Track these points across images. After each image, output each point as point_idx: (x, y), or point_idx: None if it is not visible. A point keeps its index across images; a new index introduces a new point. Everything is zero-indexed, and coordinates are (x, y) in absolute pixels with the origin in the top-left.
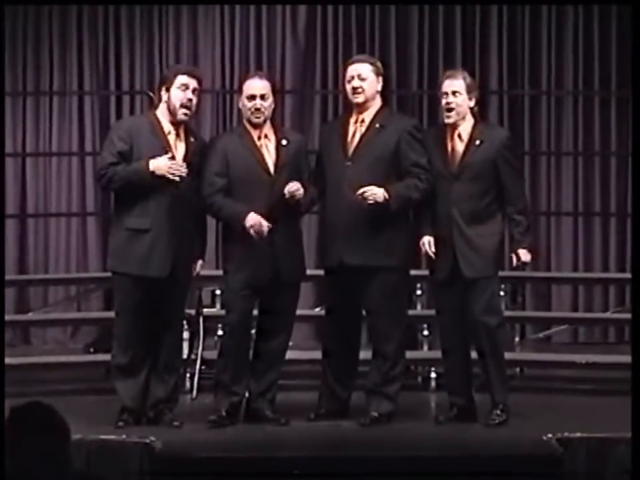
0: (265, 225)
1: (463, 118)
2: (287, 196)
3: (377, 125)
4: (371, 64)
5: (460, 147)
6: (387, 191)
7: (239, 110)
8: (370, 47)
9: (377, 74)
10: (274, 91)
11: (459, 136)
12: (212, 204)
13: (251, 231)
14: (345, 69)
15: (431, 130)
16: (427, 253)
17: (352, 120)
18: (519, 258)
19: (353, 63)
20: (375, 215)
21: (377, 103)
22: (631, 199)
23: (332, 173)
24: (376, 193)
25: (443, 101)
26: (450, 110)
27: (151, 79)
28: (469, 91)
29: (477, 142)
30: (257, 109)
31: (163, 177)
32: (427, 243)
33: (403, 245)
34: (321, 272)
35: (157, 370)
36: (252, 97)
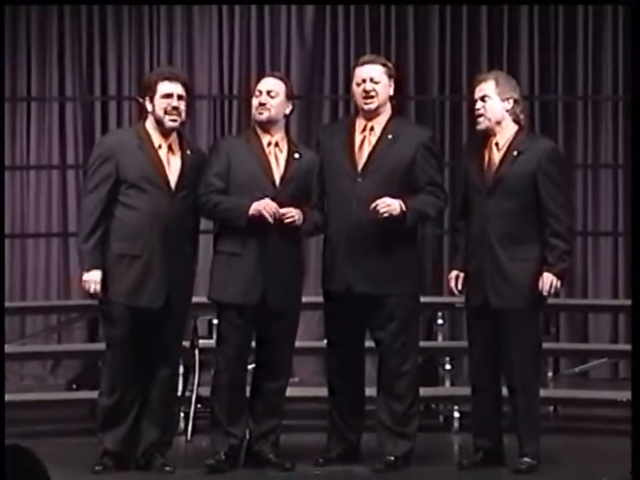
0: (276, 206)
1: (499, 124)
2: (278, 219)
3: (390, 136)
4: (383, 65)
5: (496, 157)
6: (403, 203)
7: (247, 116)
8: (385, 47)
9: (390, 76)
10: (288, 95)
11: (497, 145)
12: (206, 202)
13: (264, 213)
14: (352, 70)
15: (472, 139)
16: (451, 290)
17: (359, 127)
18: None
19: (363, 63)
20: (385, 236)
21: (387, 110)
22: (631, 214)
23: (339, 187)
24: (390, 204)
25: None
26: (478, 116)
27: (141, 83)
28: (502, 93)
29: (515, 152)
30: (261, 104)
31: None
32: (454, 278)
33: (414, 269)
34: None
35: (149, 410)
36: (259, 93)
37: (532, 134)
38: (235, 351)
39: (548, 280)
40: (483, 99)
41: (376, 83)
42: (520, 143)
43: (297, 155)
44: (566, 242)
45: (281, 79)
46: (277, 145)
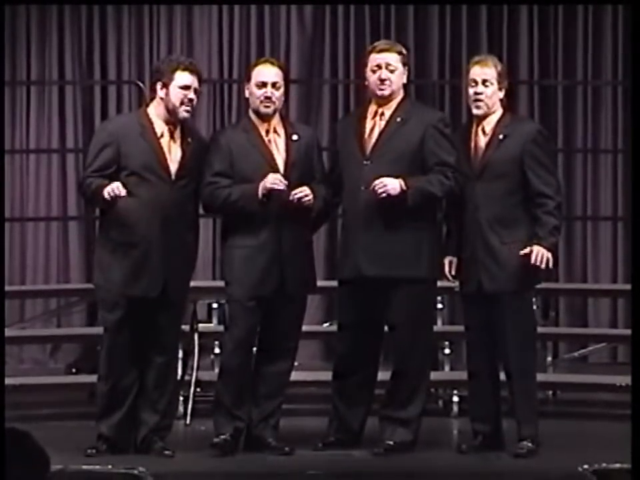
0: (278, 176)
1: (493, 111)
2: (294, 201)
3: (398, 119)
4: (399, 53)
5: (483, 142)
6: (404, 182)
7: (246, 100)
8: (385, 31)
9: (404, 64)
10: (286, 81)
11: (483, 130)
12: (215, 197)
13: (273, 187)
14: (367, 55)
15: (460, 127)
16: (446, 276)
17: (370, 113)
18: (529, 256)
19: (380, 50)
20: (395, 220)
21: (399, 96)
22: (631, 200)
23: (349, 173)
24: (387, 184)
25: (471, 90)
26: (479, 100)
27: (141, 67)
28: (500, 80)
29: (501, 136)
30: (267, 98)
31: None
32: (447, 264)
33: (429, 252)
34: (330, 283)
35: (147, 396)
36: (262, 85)
37: (516, 117)
38: (245, 333)
39: (539, 252)
40: (484, 83)
41: (392, 71)
42: (504, 127)
43: (295, 137)
44: (556, 218)
45: (280, 67)
46: (275, 131)
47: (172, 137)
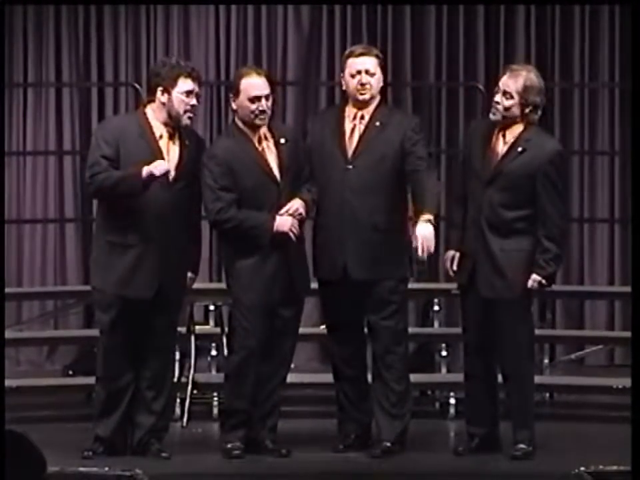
0: (295, 223)
1: (511, 121)
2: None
3: (377, 123)
4: (377, 56)
5: (500, 149)
6: (431, 219)
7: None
8: (382, 32)
9: (382, 67)
10: (272, 87)
11: (504, 137)
12: (230, 219)
13: (290, 233)
14: (344, 60)
15: (482, 123)
16: (447, 270)
17: (349, 116)
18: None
19: (358, 55)
20: (377, 223)
21: (377, 99)
22: (632, 201)
23: (329, 176)
24: (429, 242)
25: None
26: (496, 110)
27: (138, 69)
28: (525, 97)
29: (520, 149)
30: (262, 111)
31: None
32: (450, 258)
33: (405, 254)
34: None
35: (143, 398)
36: (256, 99)
37: (539, 131)
38: (256, 341)
39: (534, 281)
40: (505, 93)
41: (371, 75)
42: (526, 140)
43: (282, 140)
44: (558, 246)
45: (266, 76)
46: (265, 137)
47: (170, 138)
